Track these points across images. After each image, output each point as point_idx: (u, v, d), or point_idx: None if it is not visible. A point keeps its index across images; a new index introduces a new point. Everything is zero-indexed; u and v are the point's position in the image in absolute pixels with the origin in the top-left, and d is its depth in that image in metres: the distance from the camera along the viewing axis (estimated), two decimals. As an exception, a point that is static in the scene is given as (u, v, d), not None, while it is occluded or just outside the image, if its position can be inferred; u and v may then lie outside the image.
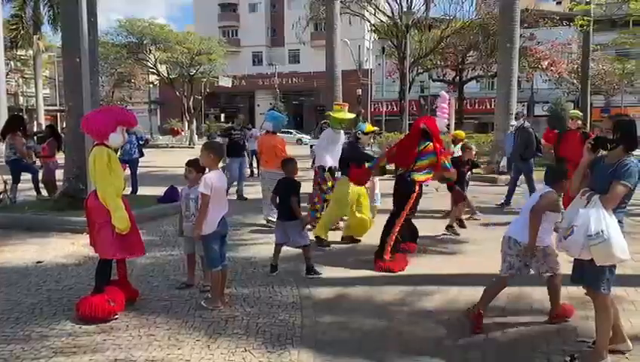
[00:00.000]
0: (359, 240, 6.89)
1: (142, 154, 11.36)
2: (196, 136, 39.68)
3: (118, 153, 10.54)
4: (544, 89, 37.43)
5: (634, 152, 3.47)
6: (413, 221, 6.35)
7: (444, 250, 6.62)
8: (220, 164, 4.77)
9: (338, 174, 7.53)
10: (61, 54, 11.16)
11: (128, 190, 10.88)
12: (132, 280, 4.95)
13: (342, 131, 7.71)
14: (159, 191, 9.96)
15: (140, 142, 11.30)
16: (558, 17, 30.55)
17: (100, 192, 4.20)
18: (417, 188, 5.75)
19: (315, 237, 6.67)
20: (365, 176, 6.51)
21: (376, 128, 7.07)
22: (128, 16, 38.76)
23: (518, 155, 9.99)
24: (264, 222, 7.95)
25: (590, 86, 26.79)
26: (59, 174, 9.98)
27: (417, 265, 5.82)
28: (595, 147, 3.57)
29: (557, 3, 52.31)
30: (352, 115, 7.87)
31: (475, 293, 4.66)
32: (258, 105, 57.42)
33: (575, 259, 3.56)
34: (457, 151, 8.99)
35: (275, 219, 7.66)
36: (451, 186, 7.66)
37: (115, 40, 38.56)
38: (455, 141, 9.89)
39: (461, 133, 10.51)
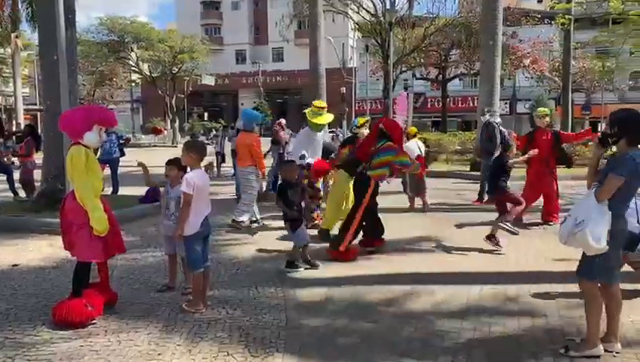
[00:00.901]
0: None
1: (123, 154, 11.16)
2: (179, 135, 39.33)
3: (98, 153, 10.47)
4: (526, 87, 37.76)
5: None
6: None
7: (429, 248, 6.57)
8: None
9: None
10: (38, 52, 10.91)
11: (109, 190, 10.69)
12: (112, 283, 4.82)
13: (319, 131, 7.77)
14: (141, 191, 9.71)
15: (121, 141, 11.09)
16: (539, 15, 30.87)
17: (78, 193, 4.06)
18: (372, 183, 6.02)
19: (320, 231, 6.78)
20: (322, 170, 7.39)
21: (367, 118, 7.14)
22: (109, 14, 38.15)
23: (483, 150, 10.06)
24: (242, 220, 7.79)
25: (571, 83, 27.01)
26: (37, 174, 9.75)
27: (405, 264, 5.76)
28: (603, 143, 3.55)
29: (538, 1, 52.87)
30: (330, 119, 7.87)
31: (462, 294, 4.64)
32: (242, 104, 57.05)
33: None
34: (413, 147, 9.47)
35: (241, 220, 7.71)
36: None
37: (96, 38, 38.07)
38: (408, 137, 9.92)
39: (413, 129, 10.59)
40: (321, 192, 7.91)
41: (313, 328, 3.95)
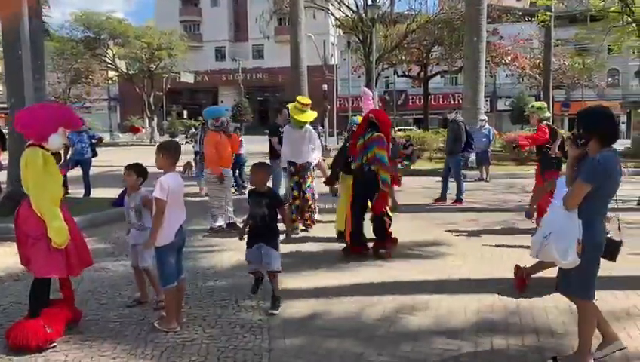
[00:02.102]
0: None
1: (95, 154, 10.62)
2: (157, 134, 38.56)
3: (69, 152, 9.94)
4: (507, 84, 37.93)
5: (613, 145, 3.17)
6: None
7: (418, 253, 6.23)
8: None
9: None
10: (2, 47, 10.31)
11: (80, 192, 10.17)
12: (77, 297, 4.39)
13: (303, 128, 7.43)
14: (114, 193, 9.26)
15: (93, 141, 10.54)
16: (520, 13, 30.88)
17: (34, 200, 3.63)
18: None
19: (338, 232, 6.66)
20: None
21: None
22: (84, 10, 37.10)
23: (448, 149, 9.85)
24: (214, 226, 7.38)
25: (552, 80, 27.07)
26: (3, 176, 9.19)
27: (396, 271, 5.41)
28: (577, 142, 3.24)
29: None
30: (313, 117, 7.52)
31: (459, 305, 4.30)
32: (222, 102, 56.36)
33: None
34: None
35: (218, 225, 7.33)
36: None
37: (71, 35, 37.10)
38: None
39: None
40: (308, 194, 7.52)
41: (299, 349, 3.56)
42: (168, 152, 4.04)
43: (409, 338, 3.73)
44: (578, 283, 3.17)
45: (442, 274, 5.27)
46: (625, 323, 3.93)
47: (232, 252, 6.18)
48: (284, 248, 6.20)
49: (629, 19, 23.56)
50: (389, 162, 5.88)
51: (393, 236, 6.09)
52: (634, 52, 31.91)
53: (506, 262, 5.70)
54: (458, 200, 9.69)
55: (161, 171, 3.91)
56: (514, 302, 4.41)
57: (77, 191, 10.31)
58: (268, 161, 7.39)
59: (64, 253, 3.71)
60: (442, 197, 9.83)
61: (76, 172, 10.48)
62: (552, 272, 5.20)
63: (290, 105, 7.61)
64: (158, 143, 4.23)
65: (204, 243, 6.66)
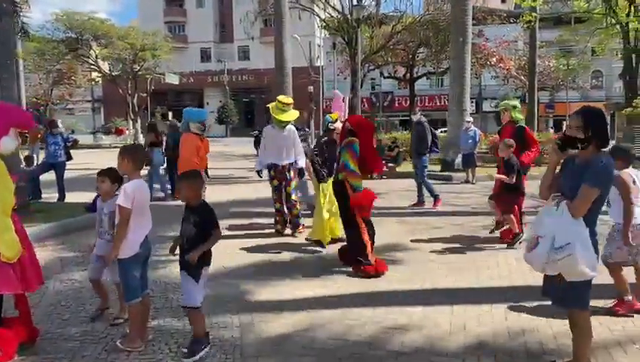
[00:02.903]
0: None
1: (69, 157, 10.25)
2: (141, 136, 37.97)
3: (41, 155, 9.59)
4: (492, 85, 38.01)
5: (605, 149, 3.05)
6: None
7: (405, 259, 5.99)
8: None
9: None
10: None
11: (54, 197, 9.81)
12: (37, 313, 4.10)
13: (285, 128, 7.19)
14: (91, 197, 8.92)
15: (68, 144, 10.17)
16: (505, 14, 30.94)
17: (-17, 210, 3.33)
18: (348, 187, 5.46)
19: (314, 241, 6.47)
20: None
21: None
22: (66, 10, 36.43)
23: (414, 150, 9.70)
24: None
25: (537, 82, 27.10)
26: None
27: (382, 280, 5.17)
28: (563, 147, 3.04)
29: (502, 1, 53.41)
30: (295, 116, 7.27)
31: (457, 321, 4.07)
32: (207, 103, 55.83)
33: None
34: None
35: None
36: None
37: (53, 35, 36.40)
38: None
39: None
40: (295, 196, 7.31)
41: (273, 370, 3.31)
42: (133, 157, 3.78)
43: (391, 357, 3.48)
44: (577, 294, 2.99)
45: (426, 283, 5.04)
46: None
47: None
48: (258, 257, 5.99)
49: (613, 20, 23.68)
50: (355, 167, 5.43)
51: (374, 260, 5.39)
52: (617, 54, 32.10)
53: (493, 269, 5.52)
54: (435, 200, 9.48)
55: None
56: (501, 314, 4.19)
57: (51, 196, 9.95)
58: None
59: (17, 267, 3.41)
60: (419, 201, 9.60)
61: (50, 175, 10.14)
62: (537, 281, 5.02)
63: (271, 105, 7.35)
64: (120, 147, 3.92)
65: (176, 252, 6.31)
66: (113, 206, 3.90)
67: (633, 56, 22.70)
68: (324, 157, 6.62)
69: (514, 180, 6.36)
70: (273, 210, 7.38)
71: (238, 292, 4.78)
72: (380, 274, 5.25)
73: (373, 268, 5.28)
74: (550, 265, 2.92)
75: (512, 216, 6.43)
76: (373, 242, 5.49)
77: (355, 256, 5.37)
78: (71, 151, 10.43)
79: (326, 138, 6.78)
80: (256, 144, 10.59)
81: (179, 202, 6.43)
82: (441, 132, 20.27)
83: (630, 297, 4.17)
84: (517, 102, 7.30)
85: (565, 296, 3.04)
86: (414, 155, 9.73)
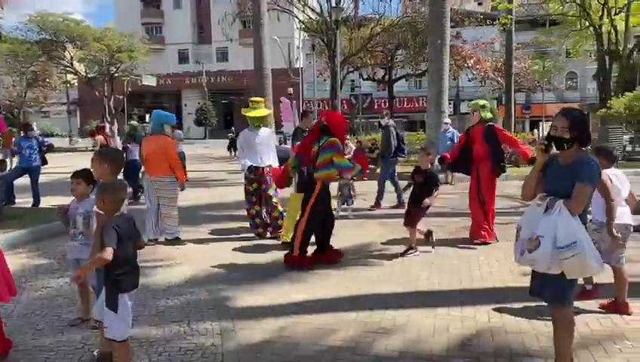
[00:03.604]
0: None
1: (44, 162, 10.02)
2: (118, 138, 37.41)
3: (15, 160, 9.35)
4: (469, 87, 38.34)
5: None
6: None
7: (385, 261, 5.97)
8: None
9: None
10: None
11: (29, 202, 9.56)
12: (11, 323, 3.98)
13: (261, 129, 7.19)
14: (65, 202, 8.72)
15: (43, 148, 9.93)
16: (481, 16, 31.29)
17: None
18: (319, 186, 5.64)
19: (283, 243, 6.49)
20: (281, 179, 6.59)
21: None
22: (40, 11, 35.71)
23: (381, 153, 9.85)
24: (173, 238, 6.94)
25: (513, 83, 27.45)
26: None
27: (363, 282, 5.13)
28: (549, 148, 3.08)
29: (478, 4, 54.09)
30: (268, 112, 7.25)
31: (429, 322, 4.05)
32: (185, 105, 55.40)
33: (533, 270, 3.13)
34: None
35: (177, 236, 6.92)
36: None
37: (26, 36, 35.67)
38: None
39: None
40: (276, 198, 7.23)
41: (255, 377, 3.25)
42: (114, 162, 3.71)
43: None
44: (563, 289, 3.01)
45: (409, 286, 5.02)
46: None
47: (186, 266, 5.82)
48: (239, 261, 5.91)
49: (587, 23, 24.14)
50: (348, 162, 5.87)
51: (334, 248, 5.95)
52: (591, 55, 32.78)
53: (474, 271, 5.53)
54: (377, 204, 9.57)
55: None
56: (484, 315, 4.19)
57: (26, 201, 9.71)
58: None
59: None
60: (399, 203, 9.60)
61: (24, 180, 9.90)
62: (517, 282, 5.01)
63: (243, 110, 7.37)
64: (95, 151, 3.81)
65: (156, 257, 6.21)
66: (89, 206, 3.81)
67: (606, 57, 23.15)
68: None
69: (433, 201, 6.06)
70: (250, 213, 7.22)
71: (218, 297, 4.70)
72: (302, 266, 5.53)
73: (296, 258, 5.61)
74: (555, 264, 2.92)
75: (416, 228, 6.15)
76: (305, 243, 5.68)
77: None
78: (46, 155, 10.20)
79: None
80: (231, 146, 10.46)
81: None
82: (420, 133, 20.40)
83: (589, 286, 4.46)
84: (486, 102, 7.18)
85: (550, 289, 3.05)
86: (380, 158, 9.90)
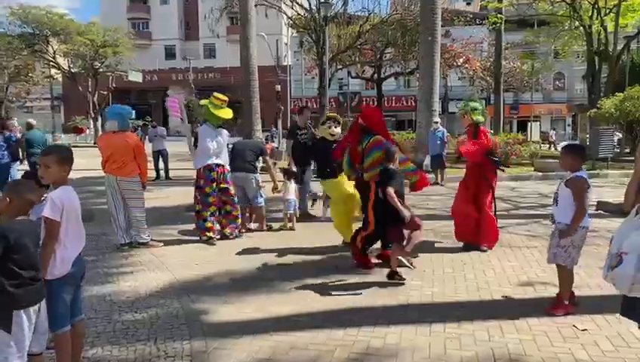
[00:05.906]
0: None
1: (15, 159, 9.48)
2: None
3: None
4: (458, 86, 38.18)
5: None
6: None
7: (377, 269, 5.57)
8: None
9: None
10: None
11: None
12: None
13: (219, 129, 6.86)
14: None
15: (12, 143, 9.39)
16: (471, 16, 31.10)
17: None
18: (373, 186, 5.26)
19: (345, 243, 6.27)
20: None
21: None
22: (21, 4, 34.87)
23: None
24: (145, 241, 6.50)
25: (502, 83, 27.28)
26: None
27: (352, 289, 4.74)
28: None
29: (467, 4, 54.00)
30: (230, 115, 6.87)
31: (424, 340, 3.66)
32: (172, 102, 54.67)
33: None
34: None
35: (146, 239, 6.47)
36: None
37: (7, 30, 34.85)
38: None
39: None
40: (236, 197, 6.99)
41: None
42: (67, 161, 3.25)
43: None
44: None
45: (401, 297, 4.62)
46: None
47: (157, 273, 5.37)
48: (216, 268, 5.46)
49: (577, 23, 23.97)
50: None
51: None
52: (579, 56, 32.73)
53: (470, 280, 5.14)
54: None
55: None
56: (484, 333, 3.81)
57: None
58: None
59: None
60: None
61: None
62: (521, 292, 4.62)
63: (204, 102, 6.99)
64: (43, 150, 3.36)
65: (127, 263, 5.75)
66: (39, 212, 3.36)
67: (596, 58, 22.98)
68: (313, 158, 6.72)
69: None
70: (202, 215, 6.75)
71: (191, 310, 4.26)
72: (368, 267, 5.46)
73: (364, 259, 5.53)
74: (638, 286, 2.57)
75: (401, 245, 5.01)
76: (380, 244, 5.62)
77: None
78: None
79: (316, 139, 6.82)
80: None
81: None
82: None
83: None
84: (477, 104, 6.73)
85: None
86: None
